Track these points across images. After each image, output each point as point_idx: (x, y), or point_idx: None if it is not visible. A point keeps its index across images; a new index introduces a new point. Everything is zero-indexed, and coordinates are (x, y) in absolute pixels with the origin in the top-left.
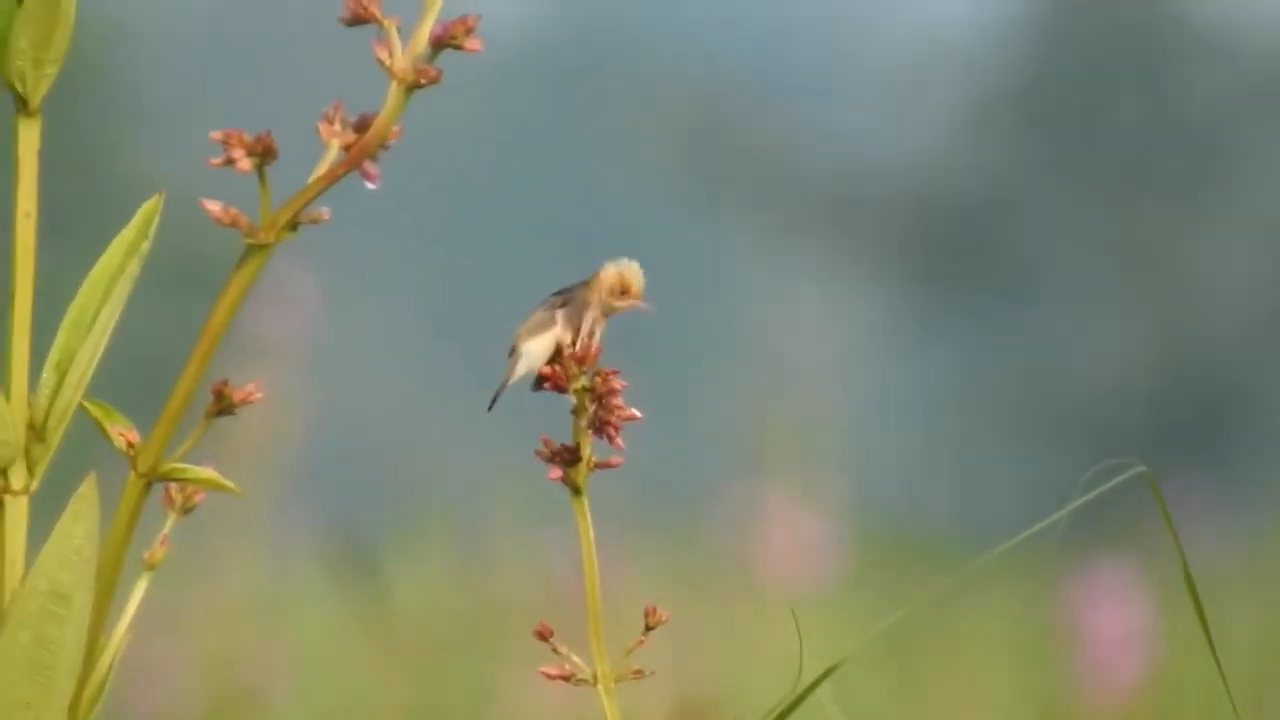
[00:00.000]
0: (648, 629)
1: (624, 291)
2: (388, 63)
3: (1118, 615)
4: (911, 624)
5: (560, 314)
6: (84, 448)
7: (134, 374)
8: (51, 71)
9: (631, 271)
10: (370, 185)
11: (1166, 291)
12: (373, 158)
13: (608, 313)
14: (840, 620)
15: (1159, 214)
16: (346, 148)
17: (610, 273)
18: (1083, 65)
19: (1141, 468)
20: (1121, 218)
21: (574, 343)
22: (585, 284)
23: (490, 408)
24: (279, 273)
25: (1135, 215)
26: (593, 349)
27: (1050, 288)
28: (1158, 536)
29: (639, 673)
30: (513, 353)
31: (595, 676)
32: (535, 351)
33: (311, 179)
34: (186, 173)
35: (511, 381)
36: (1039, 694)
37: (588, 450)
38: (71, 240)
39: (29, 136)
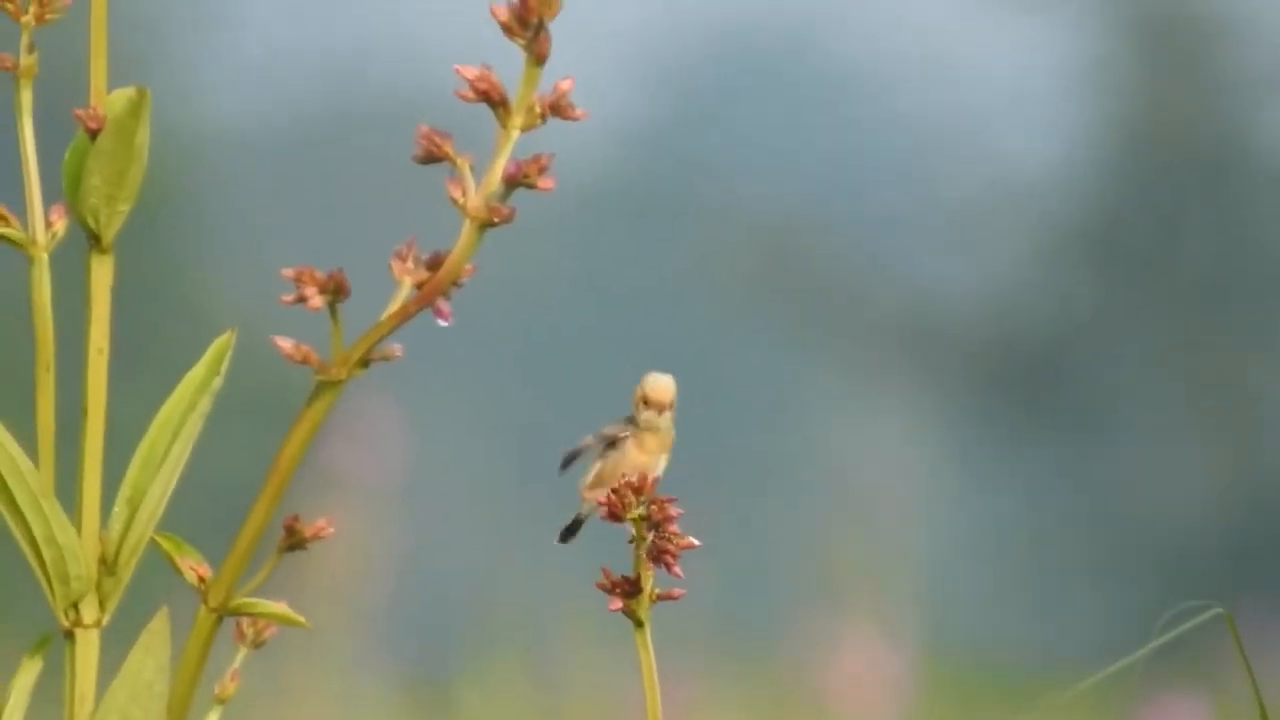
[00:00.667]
0: None
1: (645, 402)
2: (461, 201)
3: None
4: None
5: (593, 438)
6: (156, 579)
7: (207, 504)
8: (125, 209)
9: (651, 383)
10: (443, 323)
11: (1242, 425)
12: (446, 295)
13: (648, 427)
14: None
15: (1233, 348)
16: (419, 285)
17: (638, 388)
18: (1153, 199)
19: (1219, 609)
20: (1195, 351)
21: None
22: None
23: (562, 540)
24: (361, 406)
25: (1209, 349)
26: (649, 480)
27: (1124, 422)
28: (1231, 672)
29: None
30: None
31: None
32: (587, 481)
33: (384, 316)
34: (261, 301)
35: (583, 516)
36: None
37: (649, 582)
38: (143, 371)
39: (101, 274)
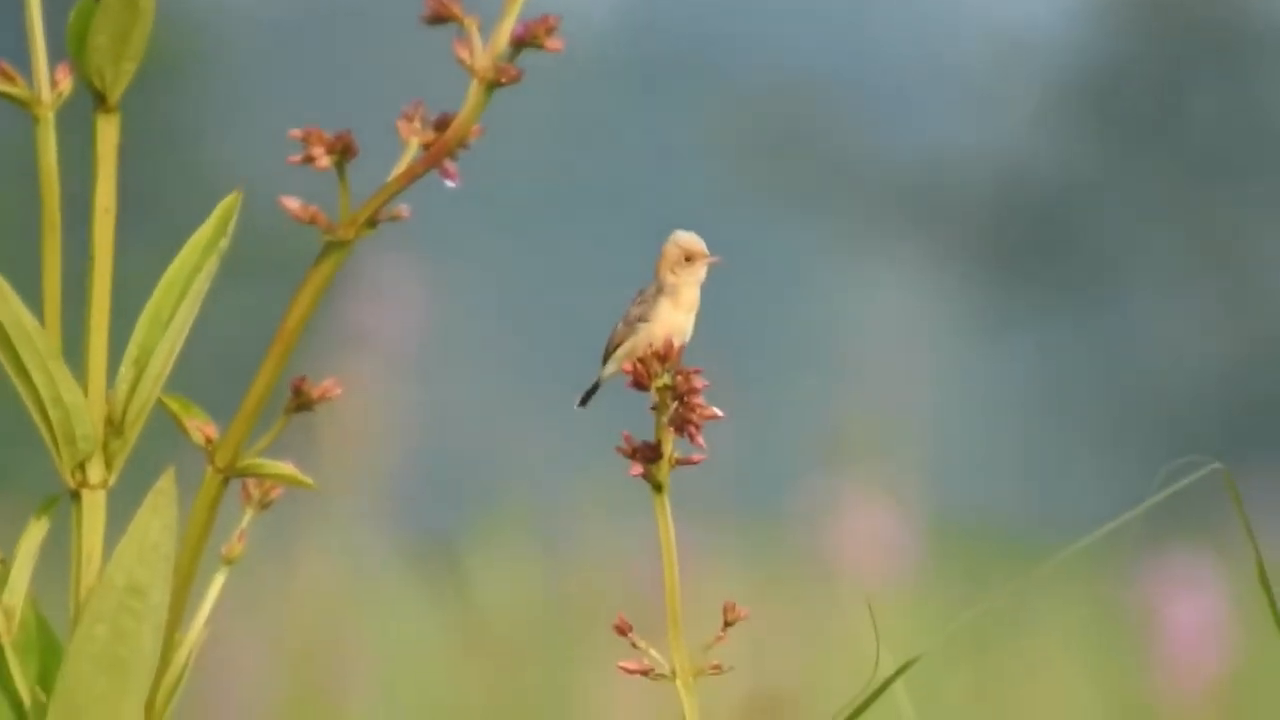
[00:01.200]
0: (726, 625)
1: (689, 258)
2: (469, 61)
3: (1193, 607)
4: (987, 618)
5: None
6: (163, 441)
7: (214, 366)
8: (130, 68)
9: (686, 238)
10: (450, 183)
11: (1245, 285)
12: (453, 156)
13: (691, 282)
14: (916, 614)
15: (1238, 207)
16: (427, 146)
17: (669, 249)
18: (1161, 58)
19: (1217, 465)
20: (1200, 211)
21: (623, 335)
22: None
23: (581, 404)
24: (374, 266)
25: (1214, 208)
26: (675, 347)
27: (1128, 281)
28: (1233, 529)
29: (717, 668)
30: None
31: (674, 672)
32: (619, 354)
33: (391, 177)
34: (268, 163)
35: (602, 381)
36: (1115, 686)
37: (669, 447)
38: (148, 232)
39: (108, 133)
